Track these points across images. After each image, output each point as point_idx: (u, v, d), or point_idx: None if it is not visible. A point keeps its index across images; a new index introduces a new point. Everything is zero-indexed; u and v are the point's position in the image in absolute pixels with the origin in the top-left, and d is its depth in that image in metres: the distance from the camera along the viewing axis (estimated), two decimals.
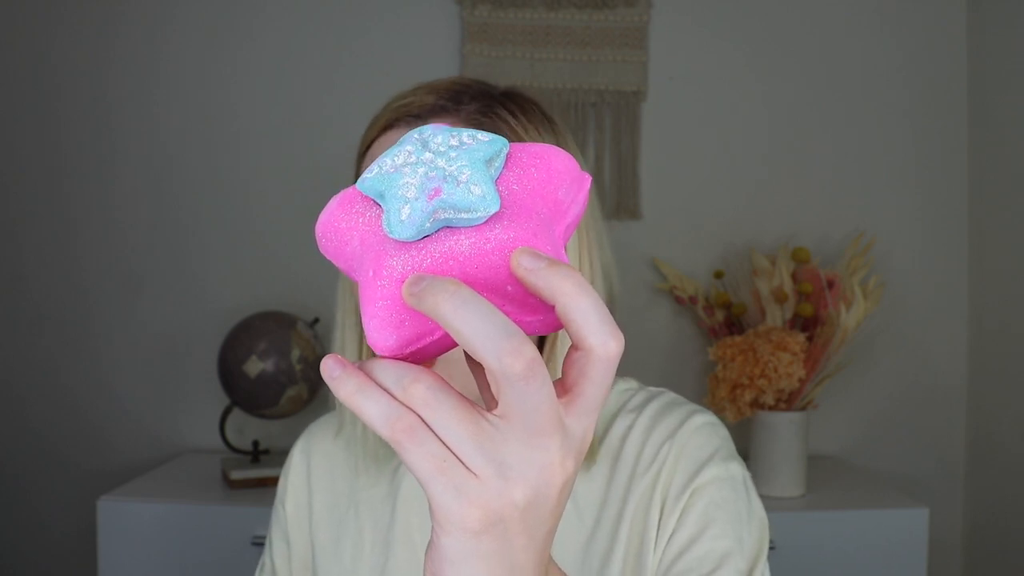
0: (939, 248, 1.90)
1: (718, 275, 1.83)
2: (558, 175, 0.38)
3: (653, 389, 0.83)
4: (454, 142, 0.37)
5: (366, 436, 0.82)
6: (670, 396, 0.81)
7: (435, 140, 0.37)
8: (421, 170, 0.36)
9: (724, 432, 0.78)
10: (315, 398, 1.71)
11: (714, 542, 0.70)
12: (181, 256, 1.91)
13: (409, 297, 0.34)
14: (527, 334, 0.36)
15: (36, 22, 1.89)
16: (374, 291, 0.36)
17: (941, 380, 1.89)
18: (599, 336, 0.35)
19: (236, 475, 1.62)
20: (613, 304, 0.78)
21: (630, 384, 0.84)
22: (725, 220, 1.89)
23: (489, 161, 0.37)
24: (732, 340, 1.64)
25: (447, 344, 0.37)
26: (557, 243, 0.37)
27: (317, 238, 0.40)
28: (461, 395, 0.35)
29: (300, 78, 1.89)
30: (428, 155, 0.37)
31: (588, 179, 0.40)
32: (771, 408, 1.64)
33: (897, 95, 1.89)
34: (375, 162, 0.38)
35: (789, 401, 1.66)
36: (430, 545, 0.38)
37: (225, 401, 1.75)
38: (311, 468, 0.88)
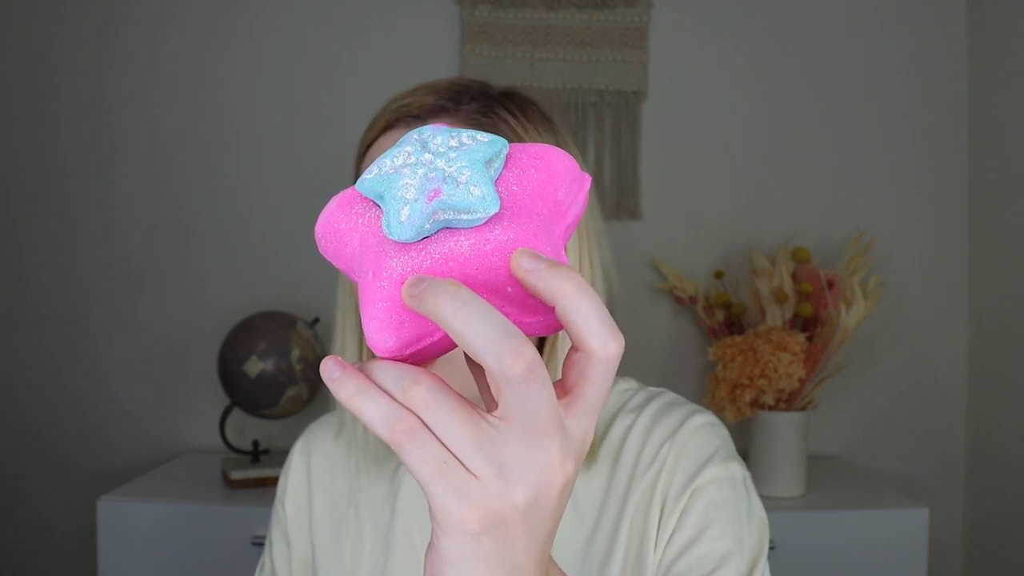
0: (939, 248, 1.90)
1: (718, 275, 1.83)
2: (558, 176, 0.38)
3: (653, 389, 0.83)
4: (454, 143, 0.37)
5: (367, 437, 0.82)
6: (670, 396, 0.81)
7: (435, 141, 0.37)
8: (421, 171, 0.36)
9: (724, 432, 0.78)
10: (315, 398, 1.71)
11: (714, 542, 0.70)
12: (181, 256, 1.91)
13: (409, 299, 0.34)
14: (527, 335, 0.36)
15: (36, 22, 1.89)
16: (374, 292, 0.36)
17: (941, 380, 1.89)
18: (599, 337, 0.35)
19: (236, 475, 1.62)
20: (612, 304, 0.78)
21: (630, 384, 0.84)
22: (725, 220, 1.89)
23: (489, 162, 0.36)
24: (732, 340, 1.64)
25: (447, 345, 0.37)
26: (557, 244, 0.37)
27: (317, 239, 0.40)
28: (461, 397, 0.35)
29: (300, 78, 1.89)
30: (428, 156, 0.37)
31: (588, 179, 0.40)
32: (771, 408, 1.64)
33: (897, 95, 1.89)
34: (374, 163, 0.38)
35: (789, 401, 1.66)
36: (430, 546, 0.38)
37: (225, 401, 1.75)
38: (311, 468, 0.88)
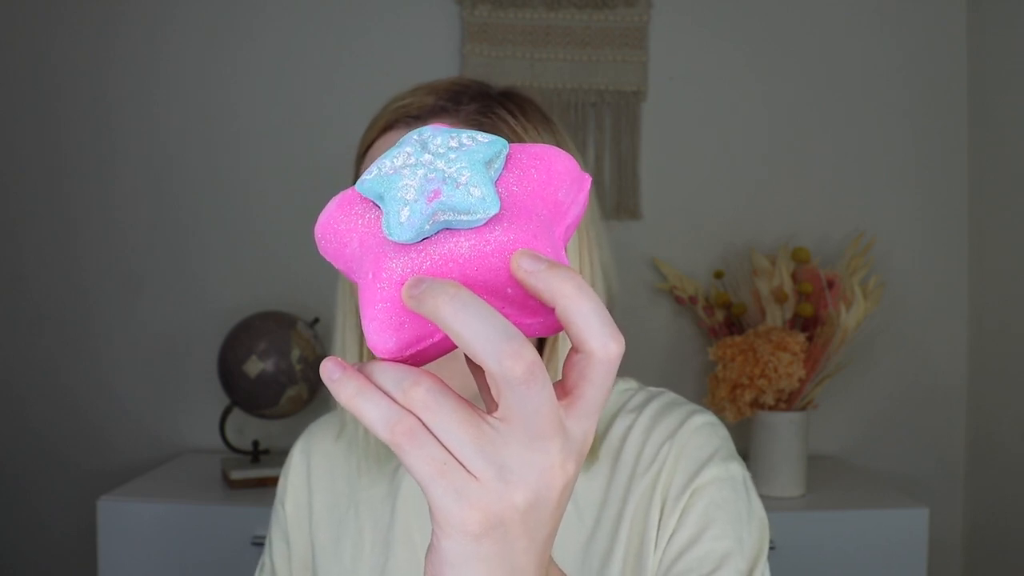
0: (939, 248, 1.90)
1: (718, 275, 1.83)
2: (558, 176, 0.38)
3: (653, 389, 0.83)
4: (454, 143, 0.37)
5: (367, 438, 0.82)
6: (670, 396, 0.81)
7: (434, 141, 0.37)
8: (420, 172, 0.36)
9: (724, 432, 0.78)
10: (315, 398, 1.71)
11: (714, 542, 0.70)
12: (181, 256, 1.91)
13: (409, 300, 0.34)
14: (527, 336, 0.36)
15: (36, 22, 1.89)
16: (374, 293, 0.36)
17: (941, 380, 1.89)
18: (600, 339, 0.35)
19: (236, 475, 1.62)
20: (611, 304, 0.78)
21: (630, 384, 0.84)
22: (725, 220, 1.89)
23: (489, 162, 0.36)
24: (732, 340, 1.64)
25: (447, 346, 0.37)
26: (557, 245, 0.37)
27: (316, 240, 0.39)
28: (461, 398, 0.35)
29: (300, 78, 1.89)
30: (427, 157, 0.36)
31: (588, 180, 0.40)
32: (771, 408, 1.64)
33: (897, 95, 1.89)
34: (374, 164, 0.37)
35: (789, 401, 1.66)
36: (430, 548, 0.38)
37: (225, 401, 1.75)
38: (311, 468, 0.88)
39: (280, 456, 1.66)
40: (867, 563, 1.55)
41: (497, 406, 0.35)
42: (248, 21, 1.89)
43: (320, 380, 1.67)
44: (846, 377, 1.84)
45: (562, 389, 0.37)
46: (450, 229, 0.35)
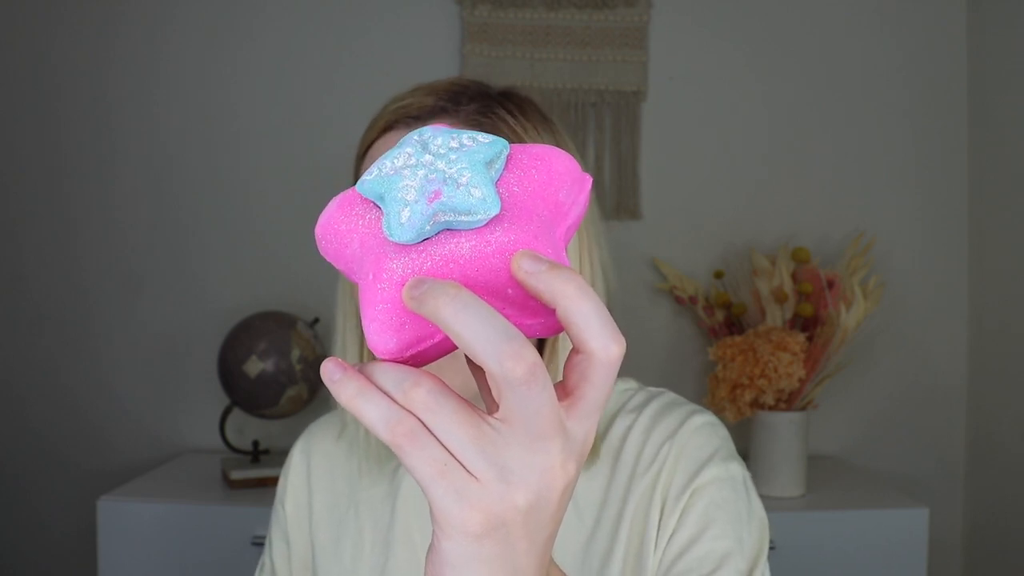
0: (939, 248, 1.90)
1: (718, 275, 1.83)
2: (559, 177, 0.38)
3: (653, 389, 0.83)
4: (454, 144, 0.37)
5: (368, 438, 0.82)
6: (670, 396, 0.81)
7: (435, 142, 0.37)
8: (421, 172, 0.36)
9: (724, 432, 0.78)
10: (315, 398, 1.71)
11: (714, 542, 0.70)
12: (181, 256, 1.90)
13: (409, 300, 0.34)
14: (528, 337, 0.36)
15: (36, 22, 1.89)
16: (374, 294, 0.36)
17: (941, 380, 1.89)
18: (600, 339, 0.35)
19: (236, 475, 1.62)
20: (610, 304, 0.78)
21: (630, 384, 0.84)
22: (725, 220, 1.89)
23: (489, 163, 0.36)
24: (732, 340, 1.64)
25: (447, 347, 0.37)
26: (558, 245, 0.37)
27: (317, 240, 0.39)
28: (462, 399, 0.35)
29: (300, 78, 1.89)
30: (428, 157, 0.36)
31: (589, 180, 0.40)
32: (771, 408, 1.64)
33: (897, 95, 1.89)
34: (375, 164, 0.37)
35: (789, 401, 1.66)
36: (431, 549, 0.38)
37: (225, 401, 1.75)
38: (311, 468, 0.88)
39: (280, 456, 1.66)
40: (867, 563, 1.55)
41: (498, 407, 0.35)
42: (248, 21, 1.89)
43: (320, 380, 1.67)
44: (846, 377, 1.84)
45: (563, 390, 0.37)
46: (451, 230, 0.35)
